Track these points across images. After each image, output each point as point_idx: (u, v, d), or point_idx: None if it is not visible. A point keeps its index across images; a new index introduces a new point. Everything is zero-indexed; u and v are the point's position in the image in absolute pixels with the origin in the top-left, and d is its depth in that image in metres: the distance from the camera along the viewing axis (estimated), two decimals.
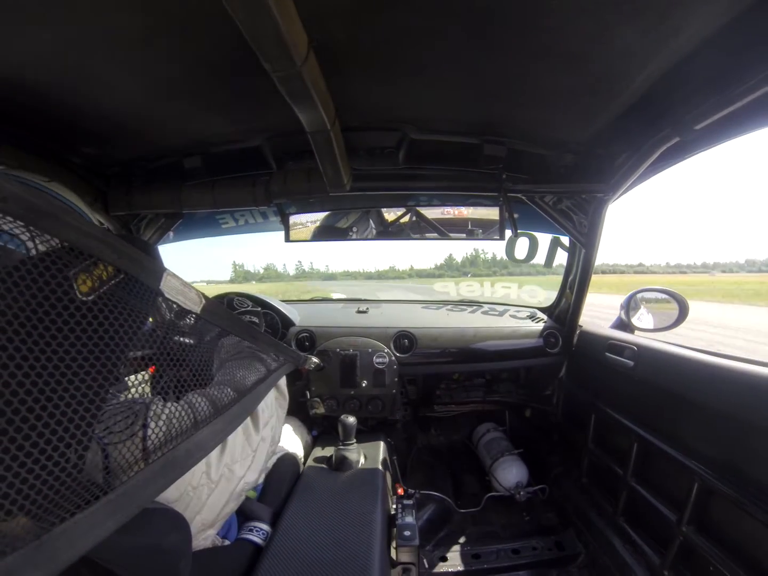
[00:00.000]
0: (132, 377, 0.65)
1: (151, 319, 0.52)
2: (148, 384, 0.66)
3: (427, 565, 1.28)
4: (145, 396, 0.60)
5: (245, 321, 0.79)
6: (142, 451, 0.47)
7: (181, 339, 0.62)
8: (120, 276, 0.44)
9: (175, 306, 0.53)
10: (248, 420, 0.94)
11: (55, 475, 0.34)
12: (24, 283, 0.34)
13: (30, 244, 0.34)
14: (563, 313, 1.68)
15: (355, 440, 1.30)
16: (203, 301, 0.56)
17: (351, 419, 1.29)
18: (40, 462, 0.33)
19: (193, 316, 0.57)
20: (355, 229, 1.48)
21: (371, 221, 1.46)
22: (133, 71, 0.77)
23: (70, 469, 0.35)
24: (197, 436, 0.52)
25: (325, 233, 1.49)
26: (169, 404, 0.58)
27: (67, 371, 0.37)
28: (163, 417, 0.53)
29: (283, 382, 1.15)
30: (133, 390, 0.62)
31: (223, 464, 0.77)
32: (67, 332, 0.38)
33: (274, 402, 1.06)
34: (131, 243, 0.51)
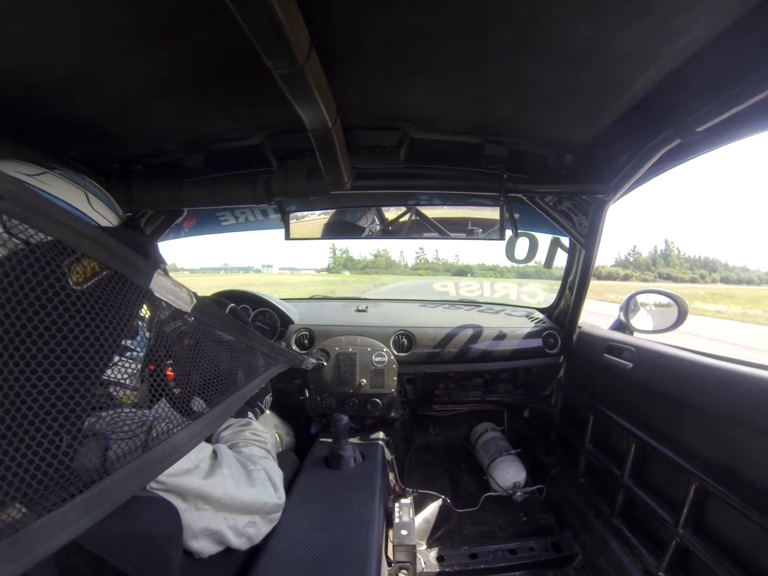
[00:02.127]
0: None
1: (144, 309, 0.52)
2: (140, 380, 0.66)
3: (424, 565, 1.28)
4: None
5: (237, 321, 0.78)
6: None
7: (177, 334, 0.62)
8: (106, 271, 0.45)
9: (164, 305, 0.53)
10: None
11: (41, 468, 0.34)
12: (19, 269, 0.35)
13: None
14: (562, 313, 1.68)
15: (349, 438, 1.30)
16: (194, 301, 0.57)
17: (345, 417, 1.29)
18: (27, 456, 0.33)
19: (185, 315, 0.58)
20: (357, 228, 1.48)
21: (373, 220, 1.47)
22: (134, 67, 0.76)
23: (56, 464, 0.36)
24: (174, 438, 0.52)
25: (327, 232, 1.49)
26: (168, 408, 0.58)
27: (57, 362, 0.38)
28: (162, 423, 0.53)
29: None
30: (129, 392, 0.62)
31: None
32: (67, 319, 0.39)
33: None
34: (128, 237, 0.52)
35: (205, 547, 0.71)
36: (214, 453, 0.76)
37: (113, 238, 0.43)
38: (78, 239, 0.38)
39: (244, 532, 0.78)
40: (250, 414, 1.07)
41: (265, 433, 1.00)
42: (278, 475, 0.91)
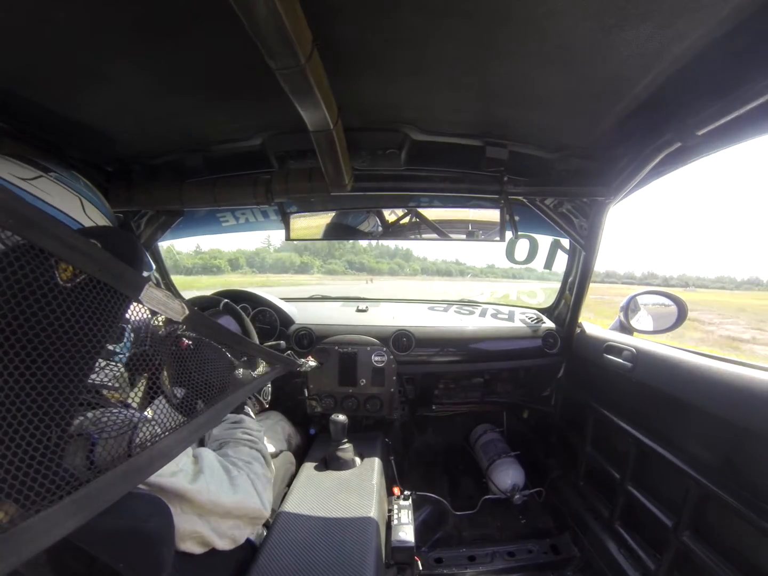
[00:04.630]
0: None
1: (133, 310, 0.52)
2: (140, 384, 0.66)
3: (422, 567, 1.28)
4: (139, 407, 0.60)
5: (231, 330, 0.78)
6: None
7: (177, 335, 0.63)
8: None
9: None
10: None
11: (33, 465, 0.35)
12: (5, 267, 0.36)
13: None
14: (562, 314, 1.68)
15: (347, 439, 1.30)
16: (187, 312, 0.57)
17: (342, 418, 1.29)
18: (17, 454, 0.34)
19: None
20: (356, 229, 1.48)
21: (373, 221, 1.47)
22: (135, 67, 0.76)
23: (46, 461, 0.36)
24: (161, 443, 0.52)
25: (327, 233, 1.49)
26: (157, 415, 0.58)
27: (46, 355, 0.39)
28: (150, 431, 0.53)
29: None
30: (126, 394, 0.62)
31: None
32: (58, 314, 0.40)
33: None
34: (118, 245, 0.52)
35: (192, 549, 0.71)
36: (195, 458, 0.76)
37: (104, 251, 0.44)
38: (69, 252, 0.40)
39: (228, 534, 0.78)
40: (247, 407, 1.05)
41: (259, 431, 0.97)
42: (264, 480, 0.87)
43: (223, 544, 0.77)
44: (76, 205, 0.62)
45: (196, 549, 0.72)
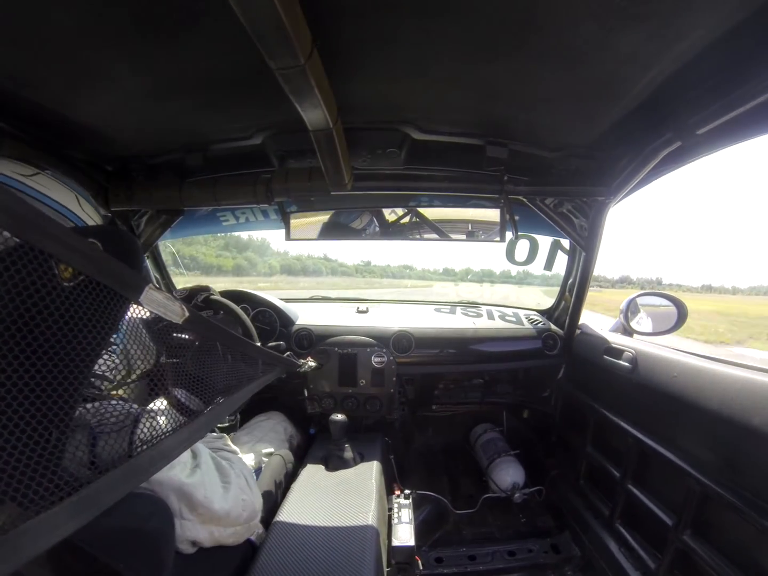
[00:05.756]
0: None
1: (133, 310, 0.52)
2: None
3: (422, 566, 1.28)
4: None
5: (231, 331, 0.78)
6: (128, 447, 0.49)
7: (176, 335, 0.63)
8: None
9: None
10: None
11: (31, 465, 0.35)
12: (9, 267, 0.36)
13: None
14: (562, 315, 1.68)
15: (346, 438, 1.30)
16: (186, 314, 0.57)
17: (341, 418, 1.29)
18: (13, 454, 0.34)
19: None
20: (356, 229, 1.48)
21: (374, 221, 1.47)
22: (135, 67, 0.76)
23: (44, 461, 0.36)
24: (162, 444, 0.52)
25: (326, 233, 1.49)
26: (159, 409, 0.58)
27: (44, 357, 0.39)
28: (151, 422, 0.53)
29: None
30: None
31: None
32: (58, 315, 0.40)
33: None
34: (118, 244, 0.52)
35: (186, 550, 0.73)
36: (193, 452, 0.76)
37: (104, 252, 0.44)
38: (68, 253, 0.40)
39: (223, 540, 0.79)
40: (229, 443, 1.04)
41: (237, 453, 0.99)
42: (252, 475, 0.90)
43: (212, 544, 0.78)
44: (72, 200, 0.65)
45: (189, 549, 0.73)
